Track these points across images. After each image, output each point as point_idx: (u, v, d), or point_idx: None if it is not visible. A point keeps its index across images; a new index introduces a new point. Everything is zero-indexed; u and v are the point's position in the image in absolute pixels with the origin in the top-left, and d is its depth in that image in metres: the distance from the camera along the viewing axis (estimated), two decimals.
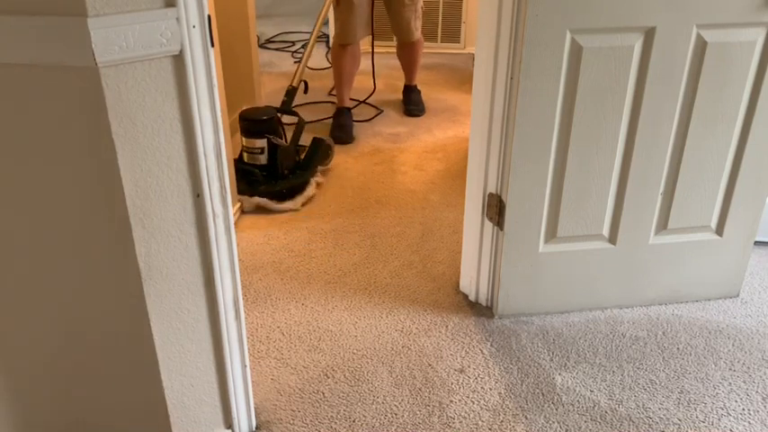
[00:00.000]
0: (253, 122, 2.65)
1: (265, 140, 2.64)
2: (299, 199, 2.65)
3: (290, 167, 2.72)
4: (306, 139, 2.91)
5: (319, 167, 2.86)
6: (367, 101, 3.66)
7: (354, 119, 3.40)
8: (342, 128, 3.26)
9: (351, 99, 3.46)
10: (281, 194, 2.63)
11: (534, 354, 1.86)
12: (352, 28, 3.17)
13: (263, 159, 2.67)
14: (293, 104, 2.99)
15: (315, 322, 1.99)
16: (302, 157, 2.83)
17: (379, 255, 2.33)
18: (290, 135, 2.82)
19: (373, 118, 3.54)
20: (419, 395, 1.73)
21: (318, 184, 2.78)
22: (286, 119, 2.86)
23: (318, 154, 2.86)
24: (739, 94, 1.77)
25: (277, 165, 2.67)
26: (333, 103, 3.57)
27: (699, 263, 2.01)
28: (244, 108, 2.80)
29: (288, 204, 2.62)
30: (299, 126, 2.86)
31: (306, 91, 3.07)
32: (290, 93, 2.97)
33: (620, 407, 1.69)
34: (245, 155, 2.71)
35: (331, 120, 3.36)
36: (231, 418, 1.53)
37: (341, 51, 3.25)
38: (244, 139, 2.68)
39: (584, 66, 1.67)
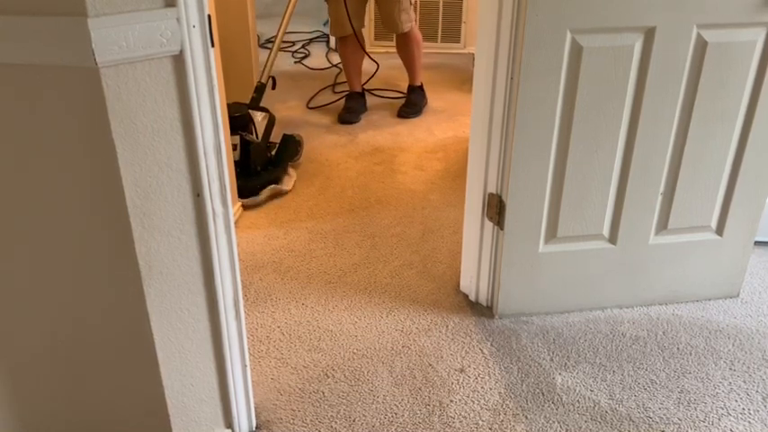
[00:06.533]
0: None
1: (238, 137, 2.68)
2: (269, 191, 2.70)
3: (261, 164, 2.77)
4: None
5: (289, 163, 2.92)
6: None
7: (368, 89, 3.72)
8: (349, 110, 3.49)
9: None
10: (255, 190, 2.68)
11: (534, 354, 1.86)
12: (341, 21, 3.30)
13: (235, 156, 2.69)
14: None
15: (315, 322, 1.99)
16: (272, 153, 2.89)
17: (379, 255, 2.33)
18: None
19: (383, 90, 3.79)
20: (419, 395, 1.73)
21: (292, 186, 2.81)
22: None
23: (288, 150, 2.93)
24: (739, 94, 1.77)
25: (249, 161, 2.71)
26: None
27: (699, 263, 2.01)
28: None
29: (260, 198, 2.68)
30: (270, 122, 2.90)
31: (274, 87, 3.09)
32: (259, 89, 2.96)
33: (621, 406, 1.69)
34: None
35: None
36: (231, 418, 1.53)
37: (340, 44, 3.49)
38: None
39: (584, 66, 1.67)
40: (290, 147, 2.95)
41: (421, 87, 3.65)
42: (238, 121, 2.70)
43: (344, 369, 1.81)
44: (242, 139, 2.69)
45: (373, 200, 2.70)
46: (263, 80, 2.97)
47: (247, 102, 2.89)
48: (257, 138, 2.78)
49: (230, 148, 2.60)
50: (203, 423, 1.47)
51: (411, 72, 3.62)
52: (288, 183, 2.79)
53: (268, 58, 3.00)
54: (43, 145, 1.13)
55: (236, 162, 2.68)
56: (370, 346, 1.90)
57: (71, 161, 1.14)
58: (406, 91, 3.70)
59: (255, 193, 2.67)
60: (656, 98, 1.74)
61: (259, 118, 2.84)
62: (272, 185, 2.72)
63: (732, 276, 2.06)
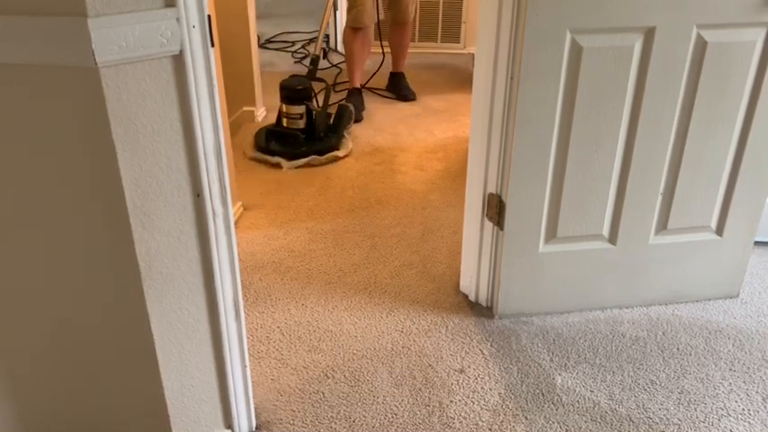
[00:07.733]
0: (293, 91, 3.02)
1: (304, 107, 3.03)
2: (342, 151, 3.07)
3: (324, 130, 3.11)
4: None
5: (345, 130, 3.26)
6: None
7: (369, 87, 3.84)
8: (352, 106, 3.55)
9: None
10: (321, 153, 3.02)
11: (534, 354, 1.86)
12: (365, 12, 3.40)
13: (301, 124, 3.05)
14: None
15: (315, 322, 1.99)
16: (331, 121, 3.22)
17: (379, 255, 2.33)
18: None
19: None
20: (419, 395, 1.73)
21: (349, 151, 3.13)
22: None
23: (344, 118, 3.25)
24: (739, 94, 1.77)
25: (315, 128, 3.06)
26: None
27: (699, 263, 2.01)
28: (283, 79, 3.19)
29: (330, 156, 3.03)
30: (328, 91, 3.20)
31: (325, 56, 3.43)
32: (315, 61, 3.25)
33: (621, 407, 1.69)
34: (284, 120, 3.07)
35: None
36: (231, 418, 1.53)
37: (352, 35, 3.50)
38: (284, 105, 3.05)
39: (584, 66, 1.67)
40: (346, 115, 3.25)
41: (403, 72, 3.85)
42: (302, 92, 3.02)
43: (344, 370, 1.81)
44: (307, 109, 3.03)
45: (373, 200, 2.70)
46: (317, 53, 3.29)
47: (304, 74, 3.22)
48: (318, 107, 3.11)
49: (229, 148, 2.65)
50: (203, 423, 1.47)
51: (401, 58, 3.78)
52: (346, 148, 3.10)
53: (319, 33, 3.35)
54: (43, 145, 1.13)
55: (301, 130, 3.05)
56: (369, 347, 1.90)
57: (71, 161, 1.14)
58: (389, 78, 3.85)
59: (321, 154, 3.01)
60: (656, 98, 1.74)
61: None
62: (314, 155, 3.01)
63: (732, 276, 2.06)
